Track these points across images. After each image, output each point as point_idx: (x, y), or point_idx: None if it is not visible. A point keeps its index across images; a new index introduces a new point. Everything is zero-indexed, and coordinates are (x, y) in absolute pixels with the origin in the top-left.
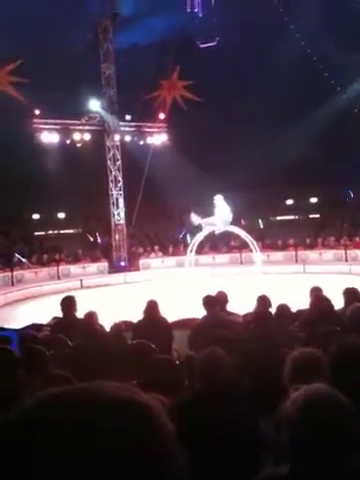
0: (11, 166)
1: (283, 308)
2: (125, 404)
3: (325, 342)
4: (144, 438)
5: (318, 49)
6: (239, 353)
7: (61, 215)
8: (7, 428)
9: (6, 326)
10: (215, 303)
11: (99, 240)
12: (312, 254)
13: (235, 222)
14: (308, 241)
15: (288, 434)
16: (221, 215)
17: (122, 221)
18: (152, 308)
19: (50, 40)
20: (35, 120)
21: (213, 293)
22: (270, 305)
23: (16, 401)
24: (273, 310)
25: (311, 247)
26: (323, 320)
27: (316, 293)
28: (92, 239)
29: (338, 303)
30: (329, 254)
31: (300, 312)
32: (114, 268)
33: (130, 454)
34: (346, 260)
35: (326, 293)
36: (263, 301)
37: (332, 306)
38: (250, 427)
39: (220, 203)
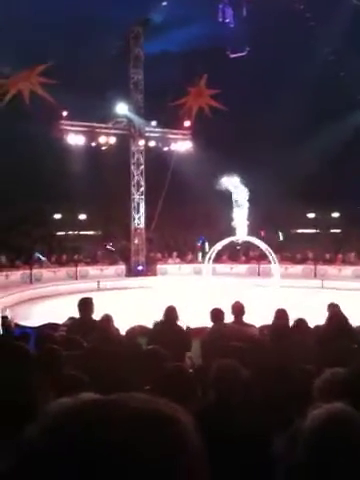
0: (36, 166)
1: (301, 322)
2: (153, 418)
3: (342, 359)
4: (170, 455)
5: (345, 64)
6: (254, 365)
7: (82, 216)
8: (33, 443)
9: (23, 323)
10: (222, 316)
11: (112, 248)
12: (331, 269)
13: (255, 233)
14: (328, 256)
15: (304, 453)
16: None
17: (142, 225)
18: (171, 314)
19: (81, 43)
20: (62, 122)
21: (224, 305)
22: (288, 319)
23: (33, 404)
24: (290, 323)
25: (330, 262)
26: (340, 337)
27: (333, 309)
28: (108, 247)
29: (356, 320)
30: (348, 270)
31: (317, 327)
32: (131, 272)
33: (156, 471)
34: None
35: (344, 310)
36: (281, 314)
37: (349, 323)
38: (263, 441)
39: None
